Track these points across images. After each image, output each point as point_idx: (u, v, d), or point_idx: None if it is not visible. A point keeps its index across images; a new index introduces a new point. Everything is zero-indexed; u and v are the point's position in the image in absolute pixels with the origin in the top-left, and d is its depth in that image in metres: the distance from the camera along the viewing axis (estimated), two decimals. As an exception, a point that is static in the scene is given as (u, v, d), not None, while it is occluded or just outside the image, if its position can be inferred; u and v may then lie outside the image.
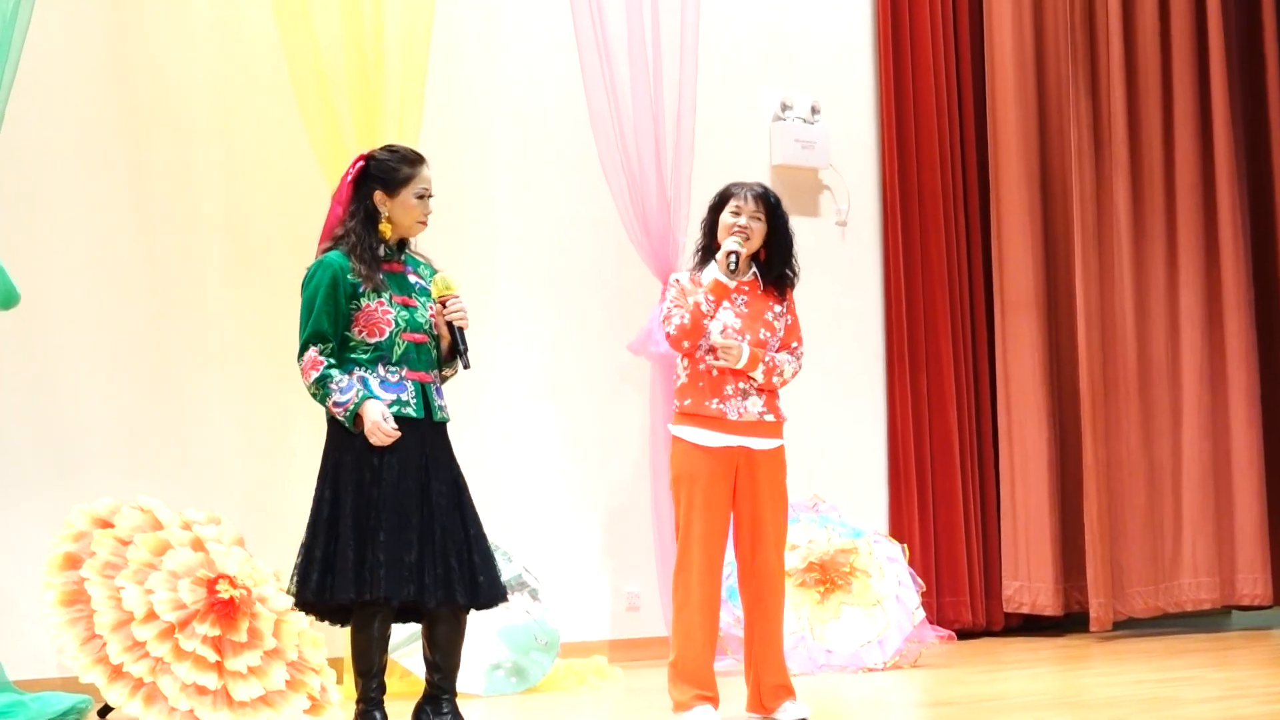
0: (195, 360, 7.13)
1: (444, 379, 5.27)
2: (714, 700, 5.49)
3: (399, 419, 5.02)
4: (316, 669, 5.68)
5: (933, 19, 9.65)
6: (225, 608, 5.41)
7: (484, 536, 5.17)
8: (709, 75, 8.48)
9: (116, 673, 5.17)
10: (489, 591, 5.13)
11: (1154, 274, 9.24)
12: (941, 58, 9.68)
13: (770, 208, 5.61)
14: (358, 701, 5.19)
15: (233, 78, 7.30)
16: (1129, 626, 9.22)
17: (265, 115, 7.31)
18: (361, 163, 5.20)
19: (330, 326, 5.03)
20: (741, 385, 5.49)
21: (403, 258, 5.24)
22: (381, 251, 5.14)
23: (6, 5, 5.89)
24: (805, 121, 9.25)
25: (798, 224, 9.32)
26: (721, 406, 5.46)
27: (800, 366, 5.64)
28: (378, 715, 5.14)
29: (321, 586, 4.98)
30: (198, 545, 5.56)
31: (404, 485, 5.01)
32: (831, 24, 9.53)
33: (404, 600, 4.99)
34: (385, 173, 5.15)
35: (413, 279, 5.21)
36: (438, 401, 5.16)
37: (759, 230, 5.58)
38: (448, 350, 5.25)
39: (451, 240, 6.95)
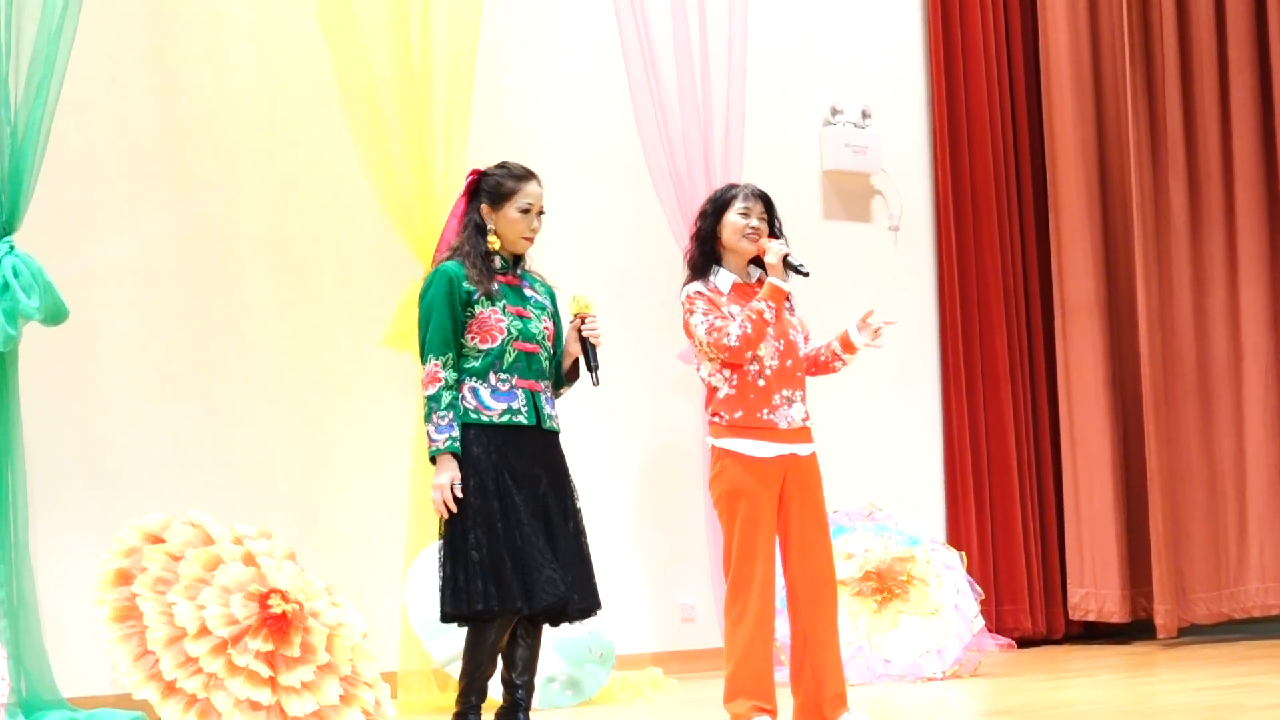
0: (243, 375, 7.13)
1: (558, 395, 5.35)
2: (773, 712, 5.42)
3: (510, 427, 5.10)
4: (370, 683, 5.65)
5: (984, 19, 9.58)
6: (278, 622, 5.39)
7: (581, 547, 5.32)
8: (758, 82, 8.45)
9: (170, 689, 5.16)
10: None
11: (1214, 274, 9.14)
12: (994, 59, 9.60)
13: (770, 207, 5.55)
14: (458, 708, 5.17)
15: (275, 94, 7.31)
16: (1192, 633, 9.11)
17: (308, 131, 7.32)
18: (474, 177, 5.32)
19: (452, 333, 5.11)
20: (786, 393, 5.41)
21: (519, 273, 5.32)
22: (497, 263, 5.23)
23: (50, 24, 5.94)
24: (856, 126, 9.19)
25: (850, 229, 9.41)
26: (772, 417, 5.36)
27: None
28: None
29: (482, 597, 5.00)
30: (249, 560, 5.55)
31: (526, 494, 5.10)
32: (882, 27, 9.47)
33: (551, 607, 5.09)
34: (491, 187, 5.26)
35: (528, 293, 5.29)
36: (547, 410, 5.22)
37: (764, 230, 5.51)
38: (569, 367, 5.33)
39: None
